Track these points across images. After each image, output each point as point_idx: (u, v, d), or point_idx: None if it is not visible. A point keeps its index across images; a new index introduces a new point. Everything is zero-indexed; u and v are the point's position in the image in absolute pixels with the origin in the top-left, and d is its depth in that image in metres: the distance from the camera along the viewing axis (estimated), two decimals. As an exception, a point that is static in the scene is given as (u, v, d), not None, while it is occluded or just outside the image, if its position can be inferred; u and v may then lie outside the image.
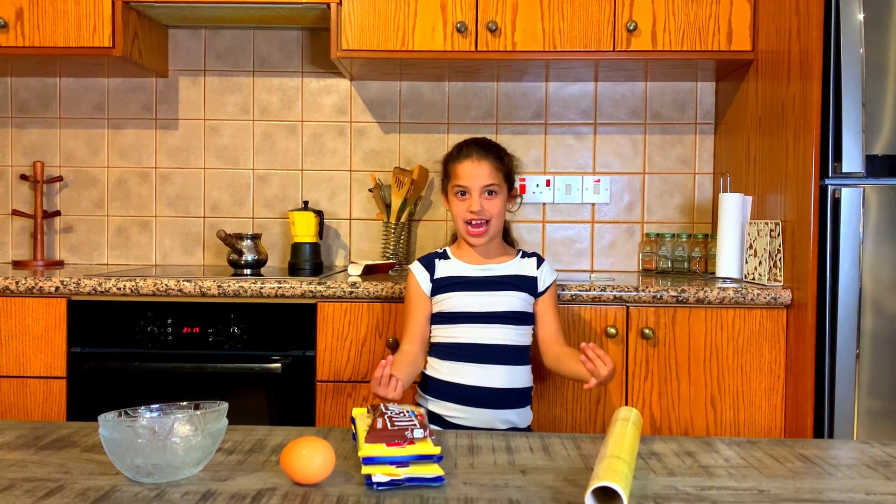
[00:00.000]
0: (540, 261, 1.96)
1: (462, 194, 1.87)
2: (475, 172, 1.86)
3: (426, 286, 1.92)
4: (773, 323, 2.10)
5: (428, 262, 1.95)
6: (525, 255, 1.98)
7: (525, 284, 1.91)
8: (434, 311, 1.92)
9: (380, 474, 1.00)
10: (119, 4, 2.39)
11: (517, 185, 1.98)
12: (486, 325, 1.85)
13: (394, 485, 1.00)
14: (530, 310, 1.91)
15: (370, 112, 2.78)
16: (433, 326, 1.92)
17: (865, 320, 1.95)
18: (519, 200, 2.01)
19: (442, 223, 2.78)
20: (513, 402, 1.84)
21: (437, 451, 1.04)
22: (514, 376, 1.85)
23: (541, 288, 1.93)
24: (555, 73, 2.64)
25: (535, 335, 1.94)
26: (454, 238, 2.01)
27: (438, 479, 1.01)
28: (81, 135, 2.81)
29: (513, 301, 1.88)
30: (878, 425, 1.96)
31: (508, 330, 1.86)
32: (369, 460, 1.02)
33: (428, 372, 1.89)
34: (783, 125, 2.13)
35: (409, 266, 1.96)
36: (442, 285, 1.91)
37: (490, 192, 1.86)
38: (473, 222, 1.86)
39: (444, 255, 1.97)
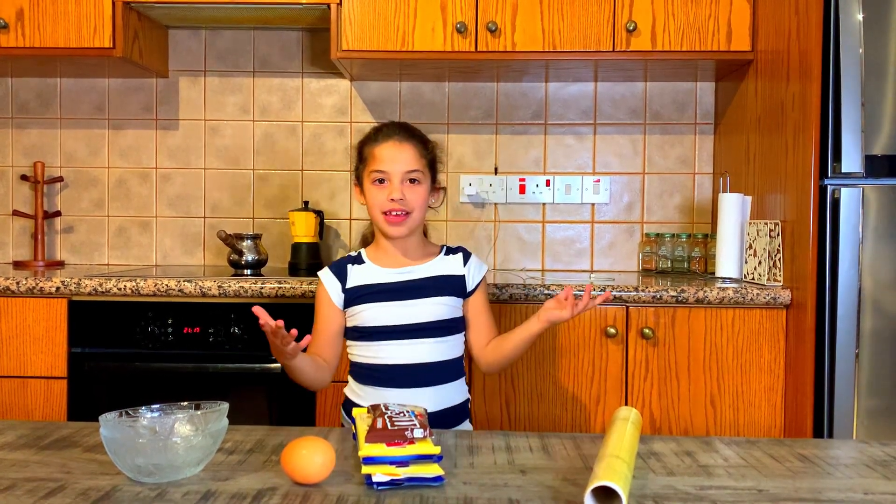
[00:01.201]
0: (467, 256, 1.74)
1: (380, 182, 1.64)
2: (396, 156, 1.64)
3: (337, 297, 1.67)
4: (772, 323, 2.10)
5: (339, 269, 1.70)
6: (449, 250, 1.75)
7: (451, 286, 1.69)
8: (349, 326, 1.68)
9: (380, 474, 1.01)
10: (119, 5, 2.39)
11: (440, 177, 1.75)
12: (409, 342, 1.63)
13: (394, 484, 1.00)
14: (460, 314, 1.70)
15: (370, 112, 2.78)
16: (350, 343, 1.70)
17: (865, 320, 1.95)
18: (443, 195, 1.77)
19: (443, 223, 2.79)
20: (451, 422, 1.63)
21: (436, 450, 1.05)
22: (447, 395, 1.65)
23: (470, 286, 1.71)
24: (554, 74, 2.64)
25: (466, 341, 1.73)
26: (365, 241, 1.81)
27: (438, 478, 1.02)
28: (82, 135, 2.81)
29: (438, 309, 1.66)
30: (877, 425, 1.96)
31: (436, 344, 1.64)
32: (369, 460, 1.02)
33: (349, 395, 1.70)
34: (782, 125, 2.13)
35: (319, 273, 1.72)
36: (356, 295, 1.67)
37: (412, 181, 1.64)
38: (393, 212, 1.63)
39: (357, 260, 1.72)
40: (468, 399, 1.73)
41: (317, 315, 1.71)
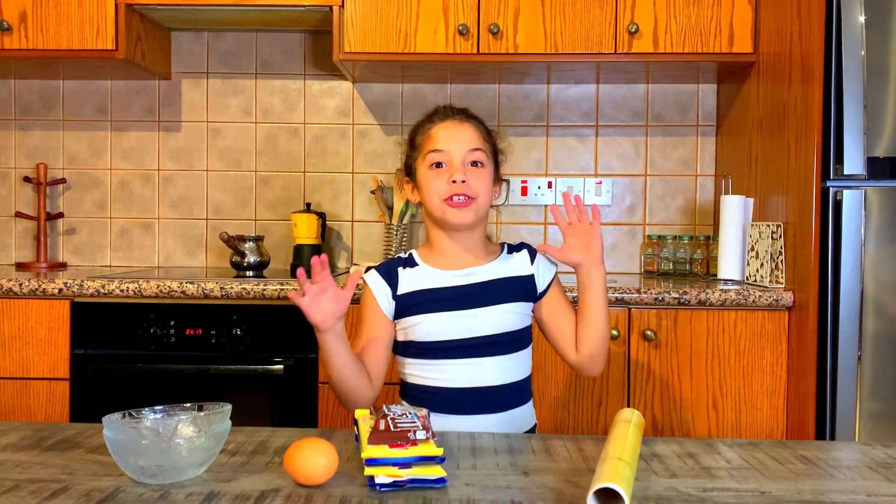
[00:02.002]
0: (532, 253, 1.52)
1: (438, 165, 1.43)
2: (456, 134, 1.43)
3: (387, 305, 1.44)
4: (774, 325, 2.10)
5: (389, 272, 1.46)
6: (511, 248, 1.52)
7: (520, 289, 1.46)
8: (400, 339, 1.46)
9: (382, 475, 1.01)
10: (122, 7, 2.39)
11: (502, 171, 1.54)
12: (475, 361, 1.41)
13: (396, 486, 1.00)
14: (529, 322, 1.48)
15: (372, 114, 2.79)
16: (402, 360, 1.47)
17: (867, 322, 1.95)
18: (506, 190, 1.55)
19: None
20: None
21: (439, 452, 1.05)
22: (516, 421, 1.44)
23: (540, 287, 1.48)
24: (556, 76, 2.64)
25: (558, 351, 1.50)
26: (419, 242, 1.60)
27: (441, 480, 1.02)
28: (84, 137, 2.82)
29: (508, 318, 1.43)
30: (879, 427, 1.96)
31: (506, 362, 1.42)
32: (372, 462, 1.02)
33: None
34: (785, 127, 2.13)
35: (365, 276, 1.48)
36: (410, 303, 1.43)
37: (475, 163, 1.43)
38: (455, 197, 1.40)
39: (409, 262, 1.48)
40: (535, 425, 1.52)
41: (361, 323, 1.47)
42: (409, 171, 1.52)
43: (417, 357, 1.45)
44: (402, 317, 1.45)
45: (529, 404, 1.50)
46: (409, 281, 1.45)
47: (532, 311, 1.50)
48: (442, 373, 1.42)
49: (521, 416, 1.46)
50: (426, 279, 1.45)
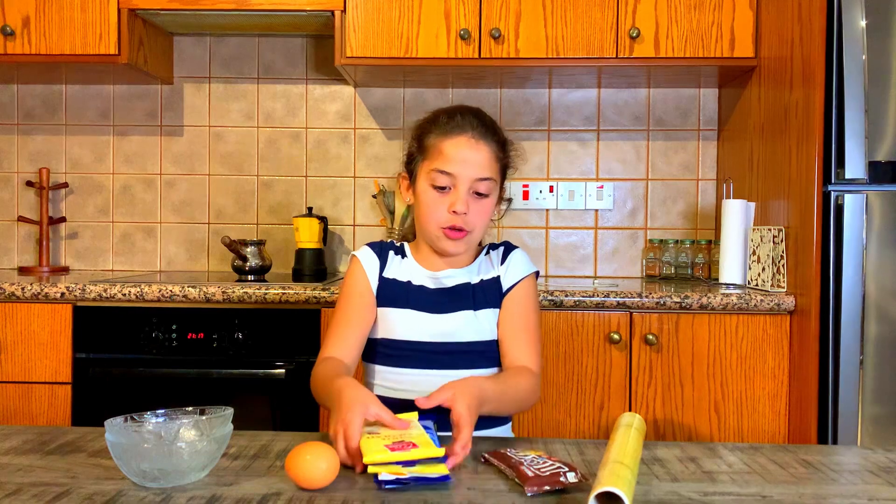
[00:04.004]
0: (508, 250, 1.43)
1: (442, 189, 1.35)
2: (470, 157, 1.34)
3: (374, 281, 1.38)
4: (776, 329, 2.10)
5: (381, 251, 1.42)
6: (492, 247, 1.46)
7: (489, 293, 1.39)
8: (375, 337, 1.39)
9: (386, 473, 1.00)
10: (125, 12, 2.40)
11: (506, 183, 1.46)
12: (450, 373, 1.32)
13: (400, 484, 1.00)
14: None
15: (374, 118, 2.79)
16: (374, 368, 1.40)
17: (869, 326, 1.95)
18: (505, 206, 1.47)
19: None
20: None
21: (440, 452, 1.04)
22: (488, 419, 1.31)
23: (505, 286, 1.39)
24: (558, 80, 2.65)
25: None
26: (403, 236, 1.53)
27: (444, 478, 1.01)
28: (87, 141, 2.83)
29: (476, 326, 1.36)
30: (881, 431, 1.96)
31: (479, 375, 1.30)
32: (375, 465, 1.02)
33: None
34: (786, 131, 2.13)
35: (355, 252, 1.43)
36: (390, 291, 1.38)
37: (479, 194, 1.36)
38: (453, 227, 1.35)
39: (400, 251, 1.44)
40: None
41: (347, 302, 1.38)
42: (409, 169, 1.44)
43: (386, 363, 1.38)
44: (382, 305, 1.38)
45: (507, 427, 1.41)
46: (397, 268, 1.41)
47: None
48: (414, 384, 1.35)
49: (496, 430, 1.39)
50: (410, 273, 1.41)
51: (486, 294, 1.39)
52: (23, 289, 2.15)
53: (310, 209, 2.70)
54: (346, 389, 1.11)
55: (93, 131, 2.83)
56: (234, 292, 2.13)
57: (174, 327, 2.15)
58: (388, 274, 1.40)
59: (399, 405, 1.21)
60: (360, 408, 1.07)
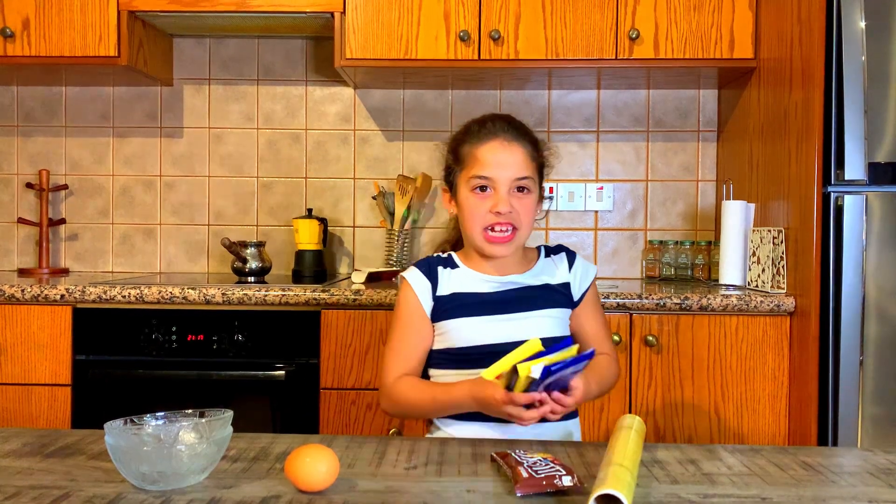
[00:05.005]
0: (571, 257, 1.48)
1: (482, 189, 1.38)
2: (505, 159, 1.36)
3: (427, 304, 1.40)
4: (776, 330, 2.10)
5: (429, 270, 1.43)
6: (549, 251, 1.50)
7: (558, 295, 1.44)
8: (435, 348, 1.42)
9: (534, 367, 1.12)
10: (124, 14, 2.40)
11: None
12: None
13: (549, 372, 1.11)
14: (569, 331, 1.45)
15: (374, 120, 2.79)
16: (437, 373, 1.44)
17: (869, 327, 1.95)
18: (547, 204, 1.51)
19: (445, 230, 2.78)
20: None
21: (573, 352, 1.17)
22: (556, 433, 1.39)
23: (576, 295, 1.46)
24: (557, 81, 2.65)
25: None
26: (442, 251, 1.53)
27: (589, 354, 1.16)
28: (87, 143, 2.83)
29: (546, 324, 1.40)
30: (882, 431, 1.96)
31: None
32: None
33: (440, 424, 1.43)
34: (786, 132, 2.14)
35: (404, 274, 1.45)
36: (448, 306, 1.40)
37: (520, 189, 1.38)
38: (497, 227, 1.38)
39: (450, 263, 1.45)
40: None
41: (402, 325, 1.42)
42: (448, 181, 1.46)
43: (452, 366, 1.41)
44: (440, 320, 1.41)
45: (575, 420, 1.45)
46: (449, 282, 1.42)
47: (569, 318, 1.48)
48: None
49: (564, 430, 1.41)
50: (466, 282, 1.43)
51: (553, 296, 1.44)
52: (23, 290, 2.15)
53: (309, 210, 2.70)
54: (467, 388, 1.27)
55: (92, 133, 2.83)
56: (233, 294, 2.13)
57: (174, 329, 2.15)
58: (442, 291, 1.42)
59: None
60: (490, 387, 1.22)
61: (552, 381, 1.17)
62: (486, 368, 1.23)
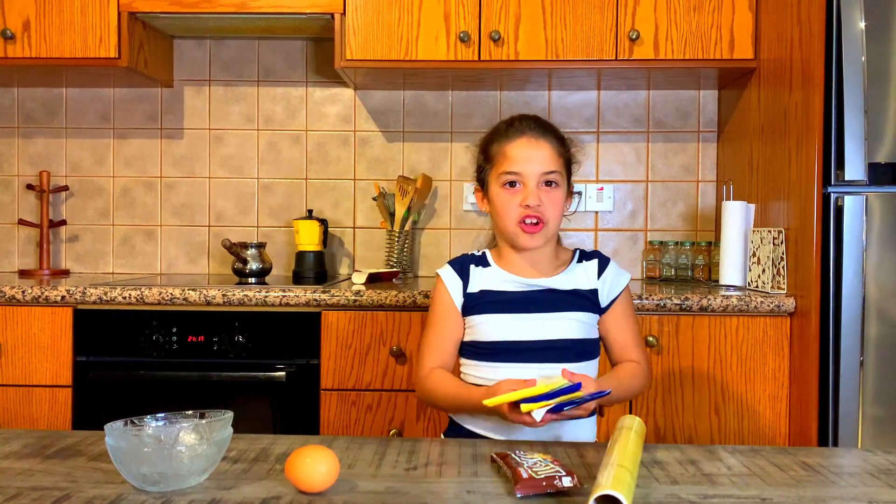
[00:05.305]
0: (603, 265, 1.52)
1: (512, 185, 1.44)
2: (532, 155, 1.43)
3: (458, 299, 1.48)
4: (776, 331, 2.10)
5: (462, 268, 1.51)
6: (584, 256, 1.54)
7: (585, 300, 1.48)
8: (464, 340, 1.50)
9: (536, 410, 1.20)
10: (125, 15, 2.41)
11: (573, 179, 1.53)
12: (533, 365, 1.42)
13: (550, 410, 1.20)
14: (596, 335, 1.50)
15: (374, 121, 2.79)
16: (463, 361, 1.52)
17: (869, 327, 1.95)
18: (577, 201, 1.56)
19: (445, 231, 2.79)
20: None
21: (564, 382, 1.25)
22: (572, 432, 1.43)
23: (604, 302, 1.50)
24: (557, 82, 2.65)
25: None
26: (490, 244, 1.60)
27: (576, 386, 1.23)
28: (87, 144, 2.83)
29: (570, 326, 1.45)
30: (882, 432, 1.96)
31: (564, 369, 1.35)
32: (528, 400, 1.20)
33: (459, 422, 1.49)
34: (786, 133, 2.14)
35: (438, 271, 1.53)
36: (477, 302, 1.47)
37: (549, 183, 1.44)
38: (528, 220, 1.43)
39: (482, 261, 1.52)
40: (596, 442, 1.45)
41: (436, 319, 1.50)
42: (480, 180, 1.53)
43: (477, 358, 1.48)
44: (469, 314, 1.49)
45: (591, 419, 1.48)
46: (480, 280, 1.50)
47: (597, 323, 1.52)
48: (500, 374, 1.42)
49: (579, 429, 1.44)
50: (495, 281, 1.49)
51: (579, 300, 1.48)
52: (23, 292, 2.16)
53: (310, 211, 2.70)
54: (480, 396, 1.32)
55: (93, 134, 2.83)
56: (234, 295, 2.13)
57: (174, 330, 2.15)
58: (472, 288, 1.49)
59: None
60: (504, 383, 1.30)
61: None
62: (493, 390, 1.31)
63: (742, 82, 2.49)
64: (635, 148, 2.77)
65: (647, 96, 2.76)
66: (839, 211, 1.96)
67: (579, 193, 1.57)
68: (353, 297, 2.12)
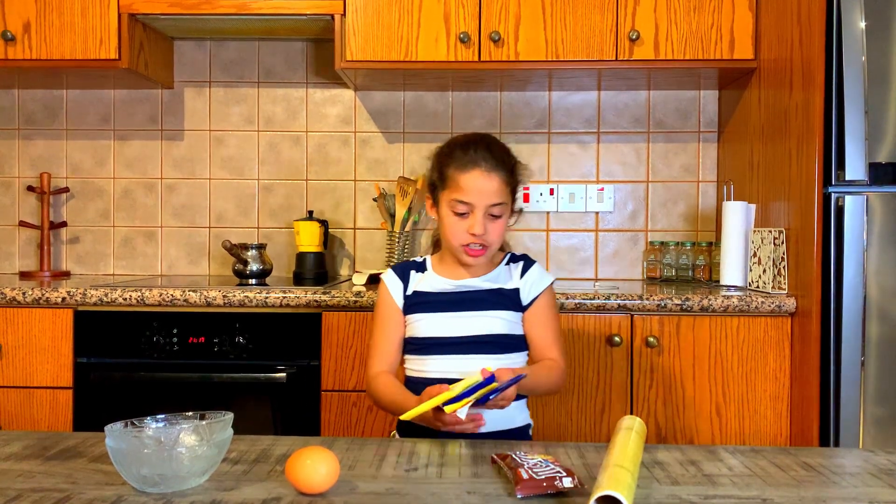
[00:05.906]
0: (527, 266, 1.64)
1: (461, 215, 1.55)
2: (483, 187, 1.52)
3: (399, 300, 1.62)
4: (777, 331, 2.10)
5: (403, 272, 1.65)
6: (513, 259, 1.66)
7: (508, 299, 1.60)
8: (405, 336, 1.63)
9: (459, 409, 1.26)
10: (125, 17, 2.41)
11: (520, 195, 1.66)
12: (462, 357, 1.55)
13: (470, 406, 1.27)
14: (520, 331, 1.61)
15: (374, 122, 2.79)
16: (405, 356, 1.64)
17: (870, 327, 1.95)
18: (515, 218, 1.65)
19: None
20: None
21: (477, 379, 1.29)
22: (504, 417, 1.52)
23: (525, 301, 1.60)
24: (558, 83, 2.65)
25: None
26: (436, 245, 1.71)
27: (489, 379, 1.28)
28: (88, 146, 2.83)
29: (493, 323, 1.57)
30: (883, 432, 1.95)
31: (491, 361, 1.47)
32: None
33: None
34: (786, 133, 2.13)
35: (382, 276, 1.67)
36: (414, 302, 1.61)
37: (494, 216, 1.55)
38: (472, 244, 1.55)
39: (421, 267, 1.67)
40: (530, 424, 1.63)
41: (381, 320, 1.63)
42: (432, 190, 1.63)
43: (415, 353, 1.61)
44: (408, 313, 1.62)
45: (521, 403, 1.62)
46: (417, 283, 1.64)
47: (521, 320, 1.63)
48: (433, 365, 1.57)
49: (510, 413, 1.53)
50: (429, 284, 1.64)
51: (502, 299, 1.60)
52: (24, 293, 2.16)
53: (310, 213, 2.70)
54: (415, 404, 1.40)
55: (93, 136, 2.83)
56: (234, 296, 2.13)
57: (175, 331, 2.15)
58: (411, 290, 1.64)
59: (426, 384, 1.44)
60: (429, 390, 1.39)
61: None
62: (418, 398, 1.41)
63: (742, 82, 2.49)
64: (636, 148, 2.77)
65: (648, 96, 2.76)
66: (840, 211, 1.96)
67: (520, 211, 1.67)
68: (354, 298, 2.12)
